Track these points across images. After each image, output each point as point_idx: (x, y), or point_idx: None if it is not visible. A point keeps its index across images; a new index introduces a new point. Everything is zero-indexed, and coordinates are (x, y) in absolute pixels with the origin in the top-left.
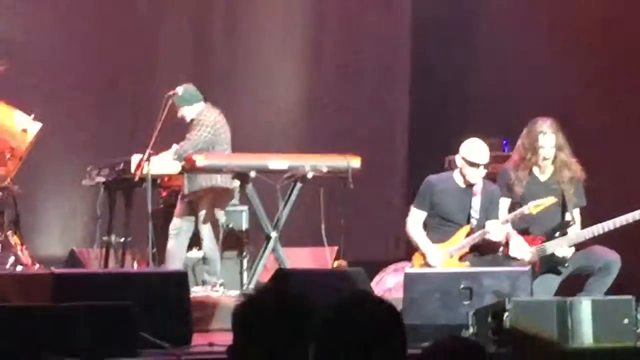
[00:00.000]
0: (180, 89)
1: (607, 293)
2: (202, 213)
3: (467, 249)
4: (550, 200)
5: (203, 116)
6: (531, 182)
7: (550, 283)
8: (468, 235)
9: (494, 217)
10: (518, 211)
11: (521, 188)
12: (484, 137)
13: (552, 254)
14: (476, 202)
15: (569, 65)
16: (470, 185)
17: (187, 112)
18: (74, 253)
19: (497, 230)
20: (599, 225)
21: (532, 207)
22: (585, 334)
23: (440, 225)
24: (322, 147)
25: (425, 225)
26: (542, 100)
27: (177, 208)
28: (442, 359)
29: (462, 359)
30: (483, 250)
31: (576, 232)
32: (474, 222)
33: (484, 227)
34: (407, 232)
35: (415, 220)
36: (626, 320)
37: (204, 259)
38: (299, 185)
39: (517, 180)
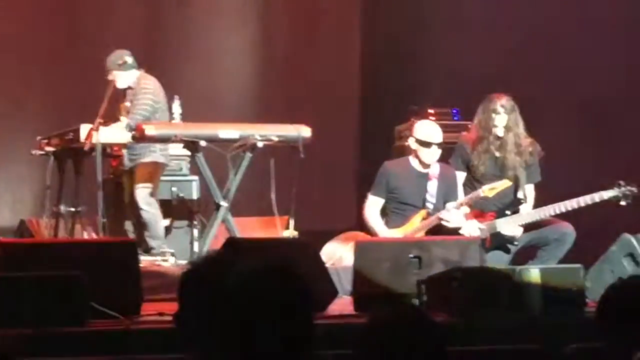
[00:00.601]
0: (118, 56)
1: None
2: (138, 183)
3: (422, 233)
4: (505, 183)
5: (144, 84)
6: (489, 160)
7: (499, 259)
8: (424, 219)
9: (452, 200)
10: (473, 194)
11: (481, 167)
12: (435, 107)
13: (502, 232)
14: (432, 187)
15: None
16: (427, 167)
17: (124, 79)
18: (24, 223)
19: (452, 215)
20: (551, 206)
21: (486, 190)
22: (535, 302)
23: (398, 210)
24: (274, 117)
25: (384, 211)
26: (488, 71)
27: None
28: (383, 328)
29: (404, 327)
30: (440, 233)
31: (528, 212)
32: (429, 206)
33: (439, 211)
34: (364, 219)
35: (372, 206)
36: (574, 289)
37: (142, 224)
38: (249, 154)
39: (477, 159)
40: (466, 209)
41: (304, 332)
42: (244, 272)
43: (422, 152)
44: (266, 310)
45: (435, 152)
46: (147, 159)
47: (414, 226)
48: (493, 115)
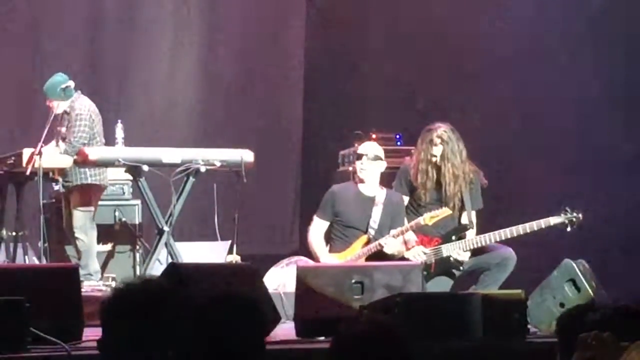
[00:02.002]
0: (58, 82)
1: (500, 288)
2: (76, 208)
3: (363, 260)
4: (446, 212)
5: (78, 109)
6: (430, 189)
7: (444, 285)
8: (365, 245)
9: (398, 227)
10: (413, 222)
11: (423, 196)
12: (377, 132)
13: (448, 257)
14: (377, 213)
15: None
16: (362, 182)
17: (63, 105)
18: None
19: (391, 243)
20: (498, 232)
21: (427, 219)
22: (476, 329)
23: (342, 234)
24: (217, 141)
25: (329, 235)
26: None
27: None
28: (355, 344)
29: (377, 342)
30: (385, 258)
31: (474, 238)
32: (371, 232)
33: (381, 237)
34: (308, 242)
35: (316, 229)
36: (516, 315)
37: (77, 252)
38: (191, 179)
39: (421, 187)
40: (411, 235)
41: (253, 355)
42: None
43: (358, 166)
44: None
45: (366, 164)
46: (78, 182)
47: (355, 252)
48: (430, 146)
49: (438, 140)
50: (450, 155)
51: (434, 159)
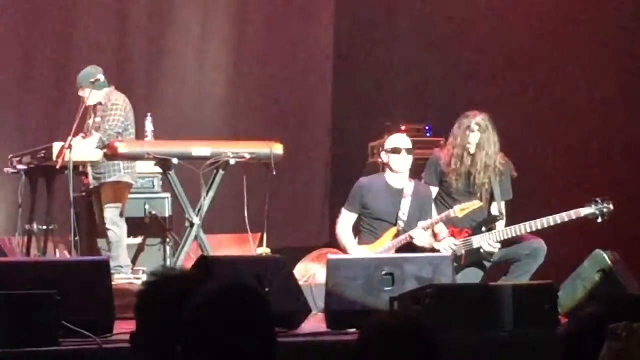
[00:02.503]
0: (91, 73)
1: (531, 279)
2: (107, 204)
3: (393, 252)
4: (476, 204)
5: (115, 100)
6: (462, 177)
7: (474, 276)
8: (395, 237)
9: (426, 219)
10: (444, 215)
11: (454, 183)
12: (407, 123)
13: (479, 248)
14: (405, 205)
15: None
16: (399, 175)
17: (95, 96)
18: None
19: (421, 235)
20: (529, 223)
21: (457, 211)
22: (507, 320)
23: (370, 227)
24: (247, 134)
25: (357, 227)
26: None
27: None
28: (380, 336)
29: (402, 335)
30: (415, 250)
31: (504, 229)
32: (401, 224)
33: (411, 229)
34: (337, 234)
35: (345, 222)
36: (547, 306)
37: (108, 244)
38: (221, 172)
39: (451, 175)
40: (442, 227)
41: (265, 347)
42: (205, 291)
43: (393, 160)
44: (226, 327)
45: (405, 159)
46: (111, 179)
47: (384, 244)
48: (467, 132)
49: (476, 128)
50: (486, 144)
51: (468, 146)
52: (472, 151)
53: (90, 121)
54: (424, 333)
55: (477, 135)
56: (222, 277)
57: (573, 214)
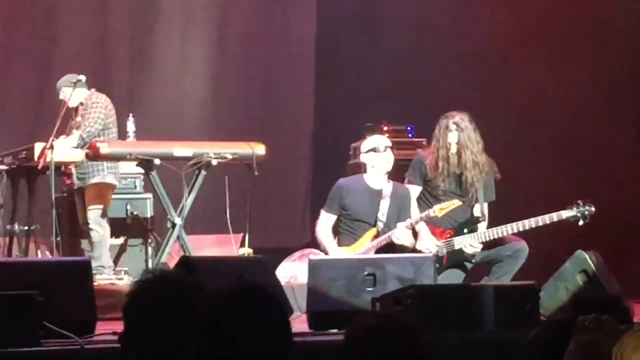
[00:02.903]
0: (71, 76)
1: (512, 280)
2: (90, 204)
3: (372, 252)
4: (456, 203)
5: (95, 98)
6: (449, 177)
7: (456, 277)
8: (375, 238)
9: (405, 219)
10: (424, 214)
11: (442, 184)
12: (389, 124)
13: (461, 249)
14: (384, 206)
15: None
16: (381, 176)
17: (75, 96)
18: None
19: (402, 234)
20: (510, 225)
21: (437, 210)
22: (488, 320)
23: (350, 228)
24: (228, 134)
25: (336, 229)
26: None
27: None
28: (367, 338)
29: (389, 335)
30: (392, 251)
31: (486, 230)
32: (380, 225)
33: (390, 230)
34: (316, 236)
35: (324, 223)
36: (529, 307)
37: (91, 244)
38: (203, 172)
39: (437, 176)
40: (423, 227)
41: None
42: (218, 294)
43: (372, 159)
44: (244, 329)
45: (383, 157)
46: (95, 180)
47: (364, 245)
48: (446, 132)
49: (454, 127)
50: (468, 143)
51: (449, 145)
52: (453, 151)
53: (73, 122)
54: (409, 333)
55: (455, 135)
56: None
57: (555, 216)
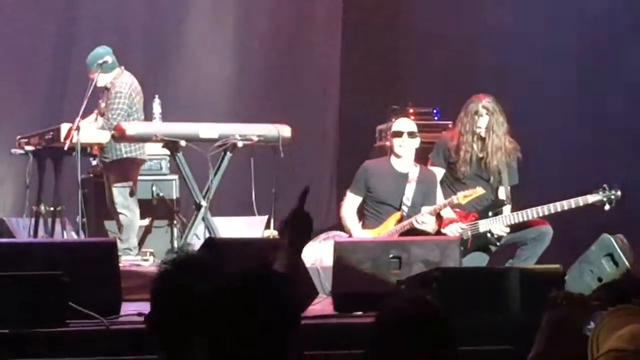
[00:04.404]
0: (99, 54)
1: (536, 263)
2: (114, 184)
3: (396, 237)
4: (479, 191)
5: (119, 86)
6: (473, 161)
7: (480, 260)
8: (398, 222)
9: (430, 204)
10: (447, 201)
11: (464, 167)
12: (414, 106)
13: (485, 232)
14: (410, 190)
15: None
16: (400, 158)
17: (103, 78)
18: (4, 222)
19: (426, 220)
20: (536, 208)
21: (460, 197)
22: (514, 303)
23: (375, 210)
24: (255, 116)
25: (361, 211)
26: (474, 71)
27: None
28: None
29: (420, 319)
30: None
31: (512, 214)
32: (405, 209)
33: (414, 214)
34: (341, 217)
35: (349, 204)
36: (554, 290)
37: (119, 227)
38: (229, 154)
39: (460, 159)
40: (448, 212)
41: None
42: (229, 276)
43: (396, 143)
44: (253, 312)
45: (406, 142)
46: (114, 159)
47: (388, 229)
48: (475, 117)
49: (484, 111)
50: (495, 127)
51: (478, 130)
52: (482, 135)
53: (100, 103)
54: (439, 316)
55: (485, 119)
56: (231, 259)
57: (580, 200)
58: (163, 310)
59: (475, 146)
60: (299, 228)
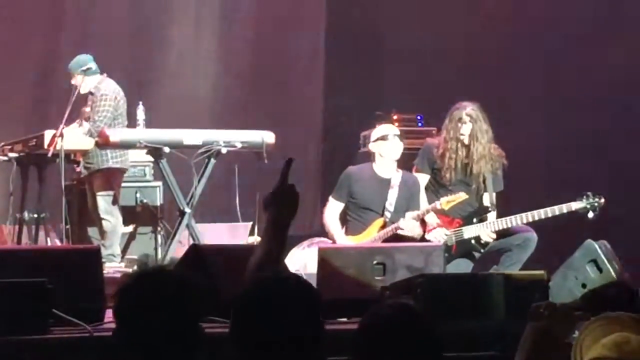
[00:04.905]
0: (82, 60)
1: (521, 270)
2: (98, 192)
3: (379, 242)
4: (462, 196)
5: (104, 89)
6: (457, 167)
7: (465, 267)
8: (382, 228)
9: (414, 210)
10: (430, 206)
11: (448, 174)
12: (398, 113)
13: (470, 239)
14: (392, 195)
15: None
16: (391, 165)
17: (87, 84)
18: None
19: (409, 225)
20: (520, 215)
21: (444, 203)
22: (498, 309)
23: (357, 217)
24: (238, 123)
25: (344, 217)
26: (458, 79)
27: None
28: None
29: (405, 326)
30: (399, 242)
31: (497, 220)
32: (387, 215)
33: (397, 220)
34: (324, 222)
35: (332, 210)
36: (538, 296)
37: (102, 232)
38: (212, 160)
39: (445, 166)
40: (432, 217)
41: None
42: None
43: (384, 148)
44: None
45: (393, 144)
46: (101, 167)
47: (371, 235)
48: (459, 124)
49: (467, 119)
50: (479, 134)
51: (462, 137)
52: (466, 142)
53: (83, 110)
54: (424, 322)
55: (469, 126)
56: (215, 266)
57: (564, 207)
58: (129, 326)
59: (459, 152)
60: (283, 202)
